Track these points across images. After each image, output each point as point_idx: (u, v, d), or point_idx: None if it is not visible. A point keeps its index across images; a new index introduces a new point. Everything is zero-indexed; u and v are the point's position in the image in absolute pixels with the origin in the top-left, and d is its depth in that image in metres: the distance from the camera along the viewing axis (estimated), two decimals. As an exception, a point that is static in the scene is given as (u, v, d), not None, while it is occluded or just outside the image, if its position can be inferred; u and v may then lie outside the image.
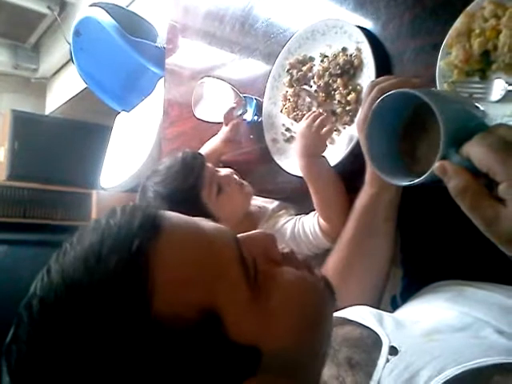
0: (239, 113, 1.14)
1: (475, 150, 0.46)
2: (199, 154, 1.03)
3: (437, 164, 0.49)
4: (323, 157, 0.91)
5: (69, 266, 0.38)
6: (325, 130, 0.89)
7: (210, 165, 1.00)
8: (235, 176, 1.04)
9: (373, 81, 0.76)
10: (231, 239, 0.44)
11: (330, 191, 0.91)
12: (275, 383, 0.41)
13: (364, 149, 0.73)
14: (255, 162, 1.17)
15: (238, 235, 0.46)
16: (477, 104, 0.64)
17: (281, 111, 1.07)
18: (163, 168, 0.98)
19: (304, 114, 1.01)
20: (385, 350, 0.54)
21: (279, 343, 0.41)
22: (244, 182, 1.05)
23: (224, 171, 1.03)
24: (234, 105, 1.14)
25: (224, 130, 1.18)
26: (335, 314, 0.67)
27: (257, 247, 0.46)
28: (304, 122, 0.91)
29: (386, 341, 0.55)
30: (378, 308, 0.79)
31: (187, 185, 0.94)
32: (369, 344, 0.57)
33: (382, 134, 0.59)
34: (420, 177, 0.52)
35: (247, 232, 0.48)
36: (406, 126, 0.60)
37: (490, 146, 0.45)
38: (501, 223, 0.44)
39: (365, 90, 0.79)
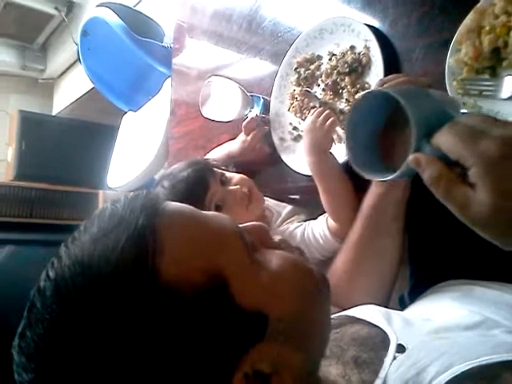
0: (246, 112, 1.13)
1: (444, 140, 0.49)
2: (207, 166, 1.01)
3: (410, 157, 0.51)
4: (331, 153, 0.91)
5: (78, 248, 0.40)
6: (329, 122, 0.89)
7: (216, 179, 0.99)
8: (244, 190, 1.00)
9: (381, 79, 0.76)
10: (229, 219, 0.47)
11: (338, 189, 0.91)
12: (281, 352, 0.42)
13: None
14: (263, 161, 1.16)
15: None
16: (454, 97, 0.67)
17: (288, 110, 1.07)
18: (168, 186, 0.96)
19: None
20: (392, 347, 0.54)
21: (283, 310, 0.43)
22: (254, 194, 1.03)
23: (233, 187, 1.00)
24: (254, 114, 1.12)
25: (241, 139, 1.16)
26: (344, 313, 0.67)
27: (252, 234, 0.48)
28: (309, 119, 0.91)
29: (394, 338, 0.55)
30: (386, 307, 0.79)
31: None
32: (376, 342, 0.57)
33: (363, 131, 0.61)
34: (396, 172, 0.54)
35: None
36: (388, 124, 0.61)
37: (458, 135, 0.48)
38: (471, 208, 0.46)
39: (373, 88, 0.79)
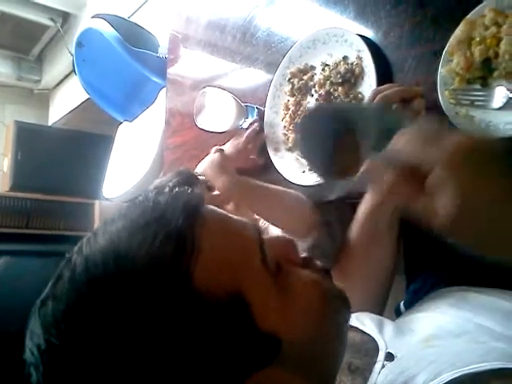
0: (240, 122, 1.14)
1: (402, 146, 0.50)
2: (190, 175, 1.00)
3: (365, 165, 0.52)
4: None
5: (116, 232, 0.40)
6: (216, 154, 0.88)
7: (202, 186, 0.98)
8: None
9: (375, 89, 0.76)
10: (255, 232, 0.45)
11: (270, 206, 0.88)
12: (287, 378, 0.41)
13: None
14: (257, 172, 1.16)
15: (263, 237, 0.47)
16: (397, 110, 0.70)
17: (282, 120, 1.07)
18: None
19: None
20: (381, 355, 0.54)
21: (297, 335, 0.42)
22: None
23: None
24: (254, 124, 1.13)
25: (234, 146, 1.15)
26: None
27: (278, 248, 0.47)
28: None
29: (383, 346, 0.56)
30: (381, 314, 0.79)
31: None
32: (369, 349, 0.57)
33: (318, 143, 0.61)
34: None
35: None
36: (341, 137, 0.62)
37: (408, 143, 0.49)
38: (438, 215, 0.46)
39: (367, 99, 0.80)
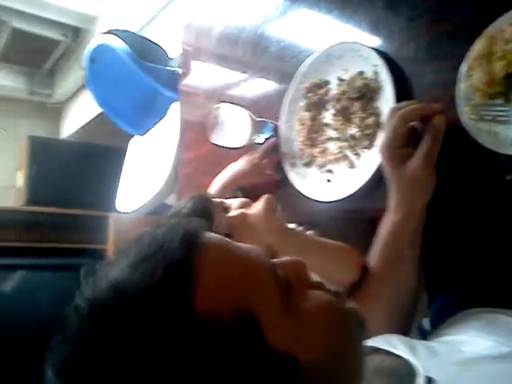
0: (255, 137, 1.13)
1: None
2: (204, 197, 0.99)
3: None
4: (293, 229, 0.87)
5: (115, 271, 0.41)
6: (265, 202, 0.83)
7: (217, 208, 0.96)
8: (247, 211, 0.93)
9: (393, 107, 0.75)
10: (264, 256, 0.46)
11: (326, 259, 0.84)
12: None
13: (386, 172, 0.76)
14: (273, 187, 1.15)
15: (272, 260, 0.48)
16: None
17: (298, 135, 1.06)
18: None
19: (321, 138, 1.00)
20: (420, 380, 0.52)
21: (313, 356, 0.42)
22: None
23: (236, 211, 0.94)
24: (269, 139, 1.12)
25: (249, 161, 1.15)
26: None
27: (290, 271, 0.47)
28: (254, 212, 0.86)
29: (421, 370, 0.54)
30: (407, 336, 0.78)
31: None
32: (402, 374, 0.55)
33: None
34: None
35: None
36: None
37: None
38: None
39: (386, 115, 0.79)
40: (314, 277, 0.51)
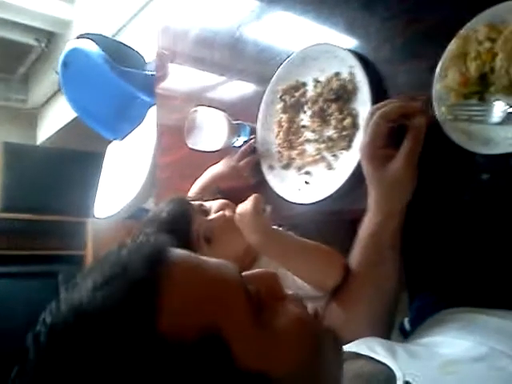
0: (232, 141, 1.12)
1: None
2: (184, 201, 0.97)
3: None
4: (277, 229, 0.86)
5: (77, 295, 0.40)
6: (252, 200, 0.82)
7: (197, 211, 0.94)
8: (228, 213, 0.95)
9: (375, 106, 0.76)
10: (234, 271, 0.45)
11: (307, 263, 0.84)
12: None
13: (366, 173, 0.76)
14: (251, 190, 1.14)
15: (243, 273, 0.47)
16: None
17: (276, 137, 1.05)
18: (152, 233, 0.92)
19: (299, 140, 1.00)
20: None
21: (286, 372, 0.41)
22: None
23: (215, 214, 0.96)
24: (252, 143, 1.11)
25: (228, 163, 1.14)
26: (345, 348, 0.65)
27: (261, 284, 0.46)
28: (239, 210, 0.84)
29: (400, 375, 0.53)
30: (389, 337, 0.77)
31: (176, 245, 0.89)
32: (381, 379, 0.55)
33: None
34: None
35: (248, 265, 0.49)
36: None
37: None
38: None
39: (363, 116, 0.79)
40: (291, 286, 0.50)
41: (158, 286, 0.39)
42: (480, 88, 0.68)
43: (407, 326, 0.90)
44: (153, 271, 0.40)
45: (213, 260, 0.46)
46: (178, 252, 0.44)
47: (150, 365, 0.37)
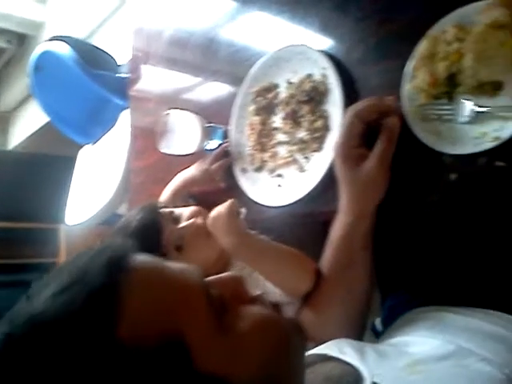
0: (205, 144, 1.11)
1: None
2: (154, 209, 0.95)
3: None
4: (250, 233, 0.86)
5: (36, 303, 0.39)
6: (228, 204, 0.83)
7: (167, 219, 0.93)
8: (199, 221, 0.94)
9: (352, 107, 0.76)
10: (197, 276, 0.45)
11: (277, 266, 0.84)
12: None
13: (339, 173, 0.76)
14: (223, 193, 1.13)
15: (207, 278, 0.46)
16: None
17: (248, 140, 1.05)
18: (121, 237, 0.90)
19: (271, 143, 0.99)
20: None
21: (250, 374, 0.41)
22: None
23: (186, 222, 0.95)
24: (217, 145, 1.10)
25: (201, 167, 1.13)
26: (315, 351, 0.64)
27: (225, 288, 0.46)
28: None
29: (367, 377, 0.53)
30: (361, 338, 0.77)
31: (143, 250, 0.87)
32: (350, 381, 0.54)
33: None
34: None
35: (219, 271, 0.51)
36: None
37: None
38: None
39: (337, 118, 0.79)
40: (257, 288, 0.50)
41: (117, 291, 0.39)
42: (448, 88, 0.68)
43: (379, 325, 0.90)
44: (112, 277, 0.40)
45: (176, 265, 0.45)
46: (140, 257, 0.44)
47: (108, 372, 0.36)
